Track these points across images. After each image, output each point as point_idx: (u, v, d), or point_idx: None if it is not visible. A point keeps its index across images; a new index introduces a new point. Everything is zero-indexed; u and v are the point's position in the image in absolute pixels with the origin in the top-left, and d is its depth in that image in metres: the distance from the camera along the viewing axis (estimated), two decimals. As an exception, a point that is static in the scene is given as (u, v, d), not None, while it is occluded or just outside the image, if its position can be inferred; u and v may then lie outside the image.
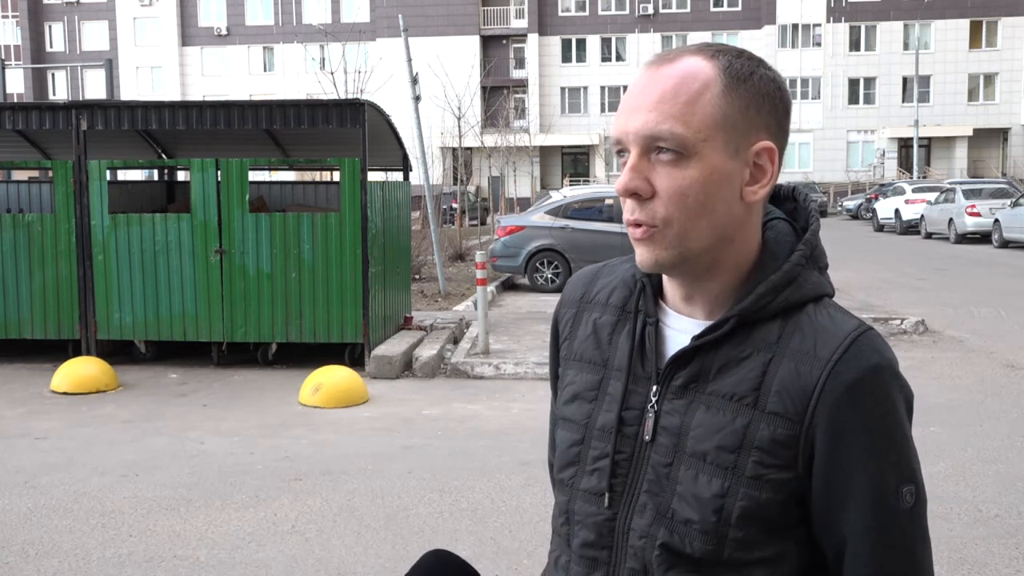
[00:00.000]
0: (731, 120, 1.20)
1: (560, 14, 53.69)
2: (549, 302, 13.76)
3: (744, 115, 1.20)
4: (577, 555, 1.32)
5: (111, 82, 21.59)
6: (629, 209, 1.22)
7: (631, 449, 1.28)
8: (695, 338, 1.25)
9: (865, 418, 1.18)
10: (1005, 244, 22.46)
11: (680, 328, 1.29)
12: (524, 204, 34.24)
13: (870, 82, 51.95)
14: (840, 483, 1.19)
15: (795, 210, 1.34)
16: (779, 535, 1.22)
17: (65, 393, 8.19)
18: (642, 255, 1.23)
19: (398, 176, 11.63)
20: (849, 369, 1.18)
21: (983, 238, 23.90)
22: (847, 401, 1.17)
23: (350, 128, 9.18)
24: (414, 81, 14.58)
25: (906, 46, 50.68)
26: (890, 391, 1.19)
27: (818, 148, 51.77)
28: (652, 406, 1.27)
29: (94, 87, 55.09)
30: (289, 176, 28.12)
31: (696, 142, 1.18)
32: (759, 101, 1.22)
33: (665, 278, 1.31)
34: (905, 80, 50.95)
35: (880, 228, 31.50)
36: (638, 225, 1.21)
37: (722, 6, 53.06)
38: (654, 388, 1.27)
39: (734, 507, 1.19)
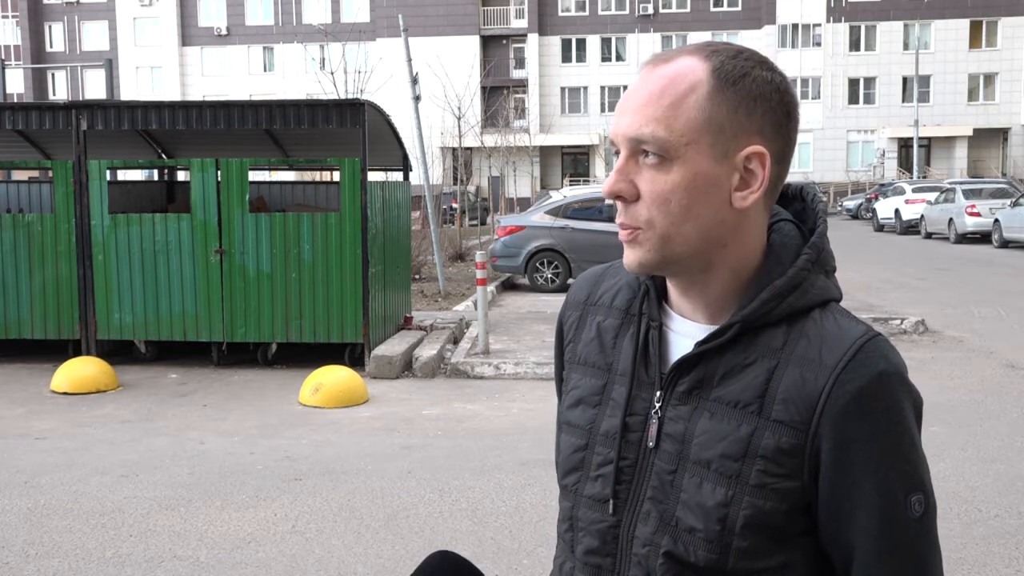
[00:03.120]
0: (717, 123, 1.16)
1: (560, 14, 53.70)
2: (549, 302, 13.76)
3: (733, 118, 1.17)
4: (581, 562, 1.30)
5: (111, 82, 21.58)
6: (619, 211, 1.22)
7: (635, 455, 1.26)
8: (698, 344, 1.23)
9: (872, 427, 1.15)
10: (1005, 244, 22.44)
11: (684, 332, 1.27)
12: (524, 204, 34.23)
13: (870, 82, 51.97)
14: (847, 492, 1.16)
15: (803, 210, 1.31)
16: (785, 544, 1.20)
17: (65, 393, 8.19)
18: (626, 256, 1.23)
19: (398, 176, 11.63)
20: (855, 377, 1.15)
21: (983, 238, 23.89)
22: (854, 410, 1.15)
23: (350, 128, 9.18)
24: (414, 81, 14.59)
25: (906, 46, 50.70)
26: (898, 399, 1.17)
27: (818, 148, 51.79)
28: (656, 412, 1.25)
29: (94, 87, 55.08)
30: (289, 176, 28.11)
31: (679, 146, 1.16)
32: (750, 103, 1.17)
33: (668, 281, 1.29)
34: (905, 80, 50.97)
35: (880, 228, 31.49)
36: (624, 227, 1.22)
37: (722, 6, 53.08)
38: (657, 394, 1.25)
39: (738, 516, 1.17)
